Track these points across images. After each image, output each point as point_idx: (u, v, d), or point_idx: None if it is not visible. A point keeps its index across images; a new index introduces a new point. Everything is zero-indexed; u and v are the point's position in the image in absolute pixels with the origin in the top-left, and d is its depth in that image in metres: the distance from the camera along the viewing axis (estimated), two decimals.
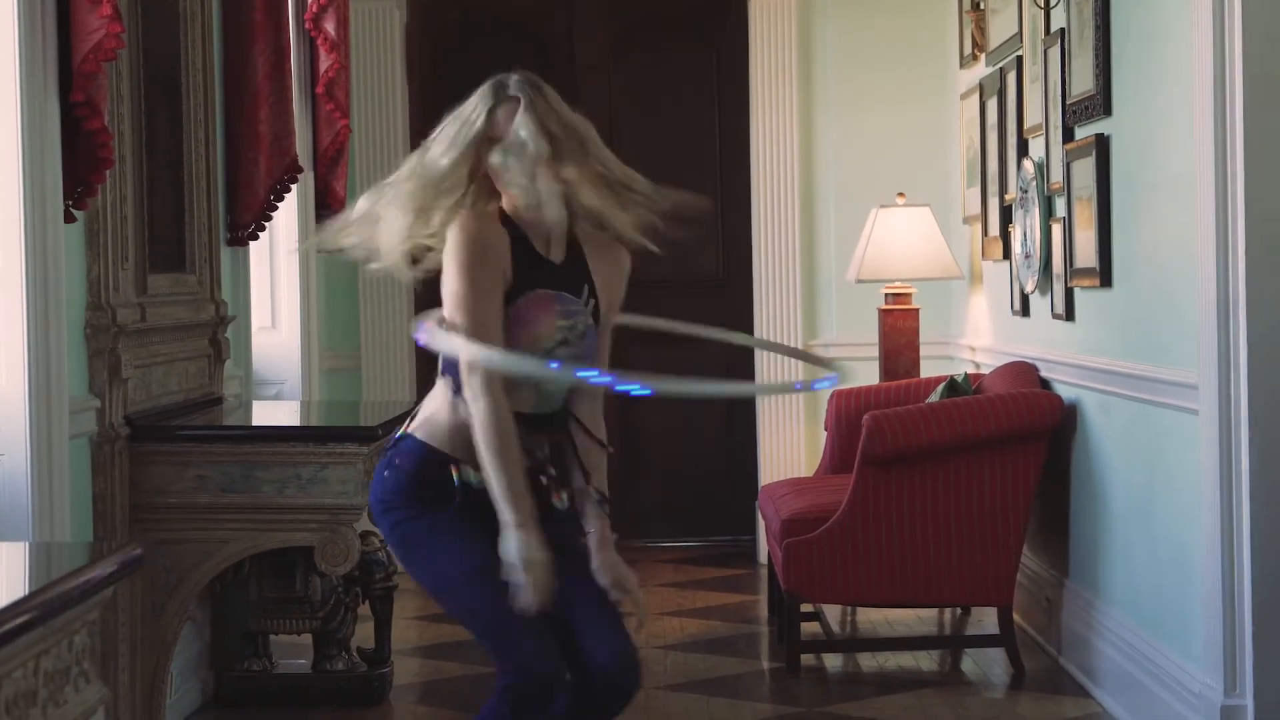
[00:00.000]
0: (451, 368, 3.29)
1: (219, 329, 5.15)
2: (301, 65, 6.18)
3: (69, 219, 4.00)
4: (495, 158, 3.23)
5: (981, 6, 6.65)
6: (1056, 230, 5.50)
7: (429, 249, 3.29)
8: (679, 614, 6.40)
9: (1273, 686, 4.02)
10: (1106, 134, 4.95)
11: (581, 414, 3.37)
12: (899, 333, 6.68)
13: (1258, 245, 3.98)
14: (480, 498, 3.23)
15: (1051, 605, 5.58)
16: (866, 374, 7.06)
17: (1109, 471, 5.05)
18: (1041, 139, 5.68)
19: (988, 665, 5.51)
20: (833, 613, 6.09)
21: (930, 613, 6.14)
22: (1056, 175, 5.47)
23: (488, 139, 3.24)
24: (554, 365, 3.23)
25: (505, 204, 3.28)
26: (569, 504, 3.35)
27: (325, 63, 6.13)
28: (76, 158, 3.95)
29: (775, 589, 5.93)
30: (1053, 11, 5.50)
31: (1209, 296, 4.08)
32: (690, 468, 7.79)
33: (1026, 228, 5.82)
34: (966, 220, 7.06)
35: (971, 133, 6.88)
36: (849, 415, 6.11)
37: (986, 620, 5.84)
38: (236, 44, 5.38)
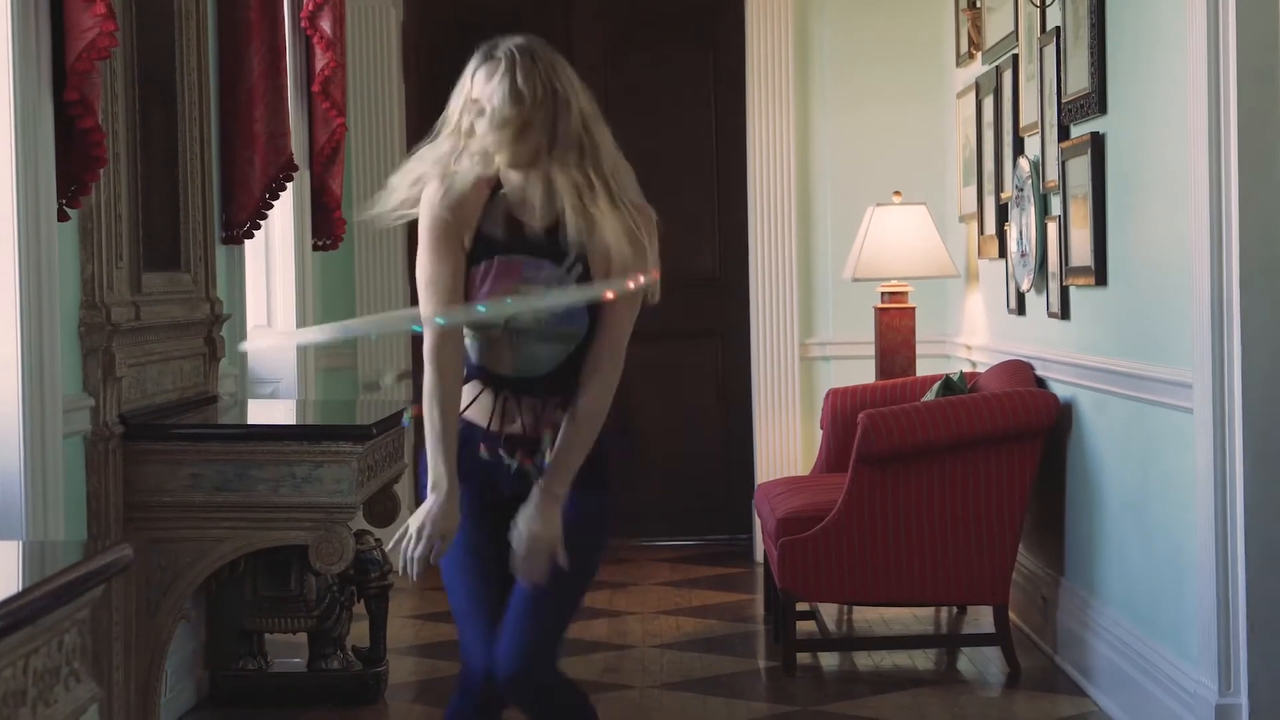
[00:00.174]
0: None
1: (214, 327, 5.14)
2: (297, 64, 6.18)
3: (63, 217, 4.00)
4: (466, 119, 3.20)
5: (978, 5, 6.65)
6: (1052, 229, 5.50)
7: None
8: (675, 613, 6.40)
9: (1267, 685, 4.02)
10: (1101, 132, 4.95)
11: (574, 389, 3.24)
12: (895, 331, 6.68)
13: (1252, 244, 3.98)
14: (491, 471, 3.22)
15: (1047, 604, 5.57)
16: (863, 372, 7.07)
17: (1104, 470, 5.05)
18: (1037, 137, 5.67)
19: (983, 664, 5.51)
20: (828, 612, 6.09)
21: (926, 612, 6.14)
22: (1052, 174, 5.47)
23: (472, 100, 3.20)
24: (480, 308, 3.17)
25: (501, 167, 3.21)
26: (519, 465, 3.25)
27: (321, 61, 6.12)
28: (70, 156, 3.95)
29: (771, 588, 5.93)
30: (1048, 10, 5.50)
31: (1203, 295, 4.08)
32: (687, 466, 7.79)
33: (1022, 226, 5.82)
34: (963, 219, 7.06)
35: (968, 131, 6.88)
36: (844, 414, 6.11)
37: (982, 619, 5.84)
38: (231, 42, 5.38)
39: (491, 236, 3.20)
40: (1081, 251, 5.13)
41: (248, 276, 5.76)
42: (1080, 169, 5.09)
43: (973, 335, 6.93)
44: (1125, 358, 4.79)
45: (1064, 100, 5.27)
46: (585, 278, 3.20)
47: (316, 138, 6.24)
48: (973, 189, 6.78)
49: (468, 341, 3.29)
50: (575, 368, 3.24)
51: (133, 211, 4.55)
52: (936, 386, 5.93)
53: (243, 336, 5.67)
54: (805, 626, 5.76)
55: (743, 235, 7.50)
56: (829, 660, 5.63)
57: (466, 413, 3.29)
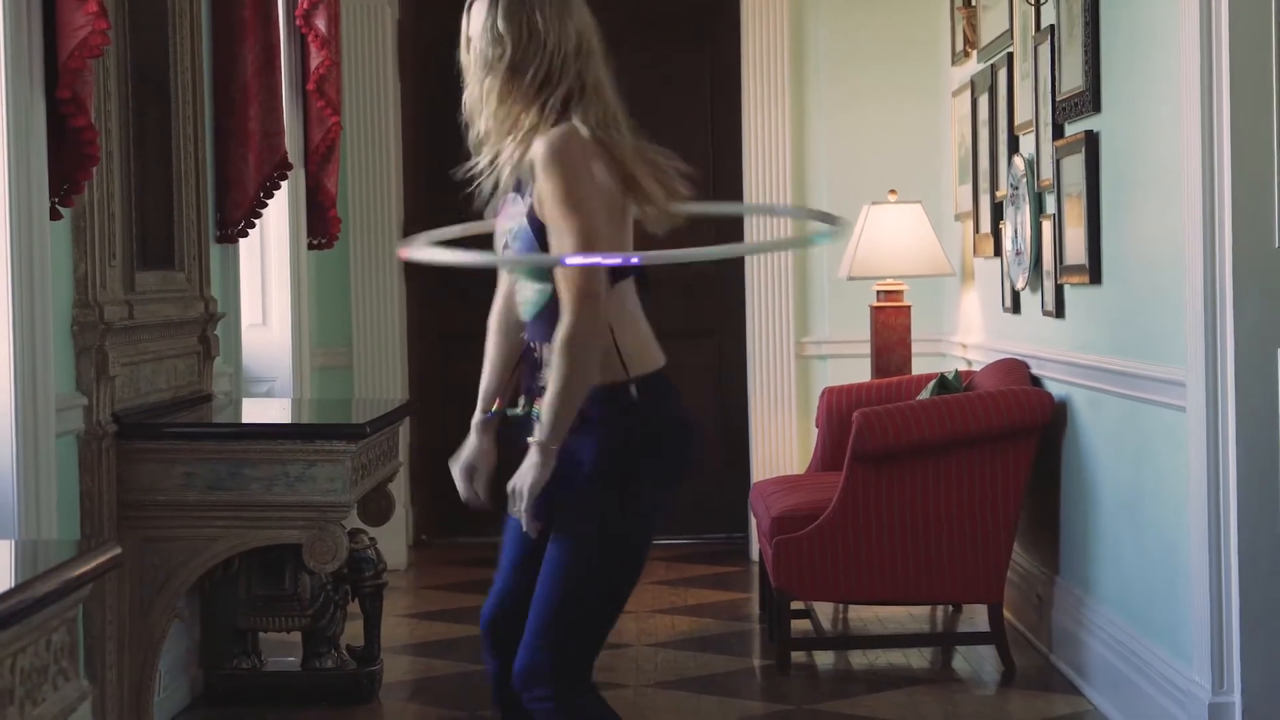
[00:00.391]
0: None
1: (208, 326, 5.14)
2: (292, 62, 6.17)
3: (55, 216, 3.99)
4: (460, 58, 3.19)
5: (973, 3, 6.65)
6: (1046, 227, 5.49)
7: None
8: (670, 611, 6.40)
9: (1260, 684, 4.03)
10: (1096, 130, 4.95)
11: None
12: (890, 330, 6.68)
13: (1245, 242, 3.98)
14: (524, 427, 3.19)
15: (1042, 603, 5.57)
16: (859, 371, 7.07)
17: (1098, 468, 5.05)
18: (1032, 136, 5.67)
19: (978, 663, 5.50)
20: (823, 610, 6.09)
21: (921, 610, 6.14)
22: (1046, 172, 5.47)
23: (468, 37, 3.18)
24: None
25: None
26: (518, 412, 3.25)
27: (316, 59, 6.12)
28: (63, 154, 3.94)
29: (767, 586, 5.92)
30: (1043, 8, 5.50)
31: (1196, 293, 4.08)
32: None
33: (1017, 225, 5.82)
34: (958, 217, 7.06)
35: (963, 129, 6.88)
36: (840, 412, 6.11)
37: (977, 618, 5.83)
38: (226, 41, 5.38)
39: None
40: (1076, 250, 5.13)
41: (242, 275, 5.76)
42: (1074, 167, 5.09)
43: (968, 334, 6.92)
44: (1119, 356, 4.79)
45: (1058, 98, 5.27)
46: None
47: (311, 136, 6.24)
48: (968, 187, 6.78)
49: None
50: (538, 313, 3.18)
51: (126, 210, 4.54)
52: (932, 385, 5.93)
53: (238, 336, 5.67)
54: (800, 625, 5.76)
55: (738, 234, 7.49)
56: (824, 659, 5.62)
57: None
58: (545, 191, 3.05)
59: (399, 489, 6.86)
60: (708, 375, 7.79)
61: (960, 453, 5.30)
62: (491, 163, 3.16)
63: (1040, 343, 5.67)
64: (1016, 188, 5.82)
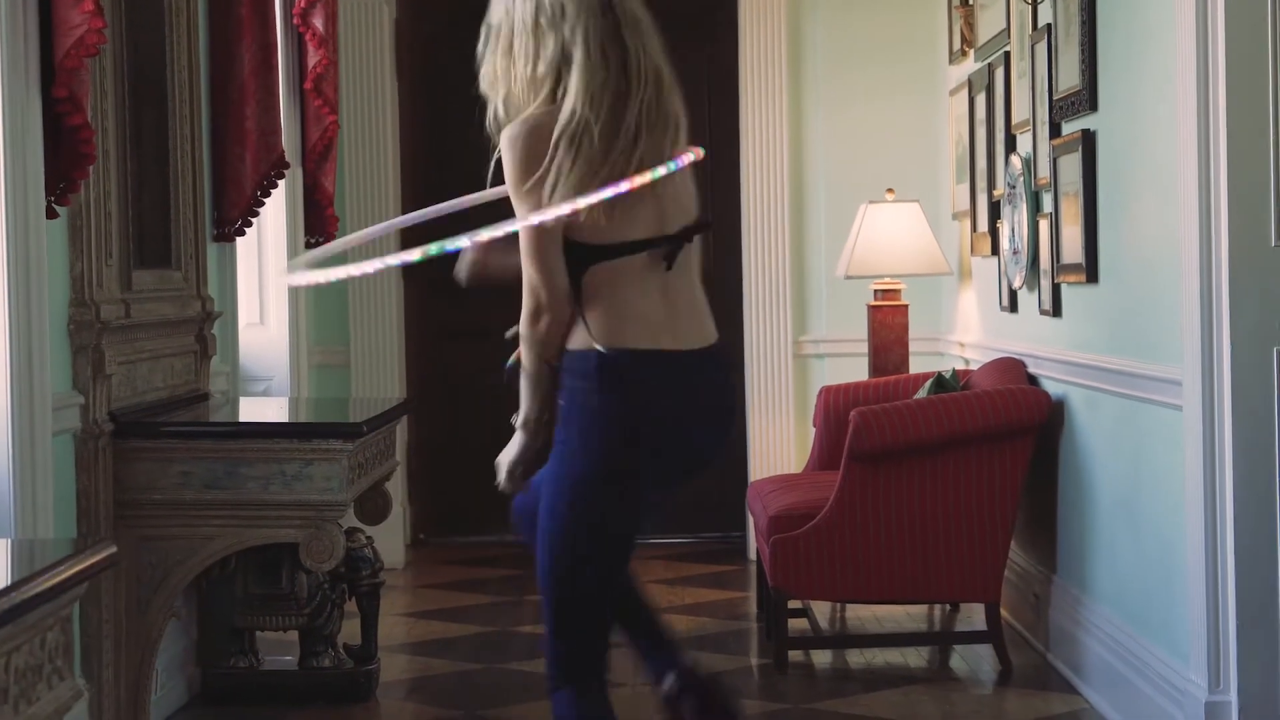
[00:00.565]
0: None
1: (205, 325, 5.14)
2: (290, 61, 6.18)
3: (52, 215, 3.99)
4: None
5: (970, 2, 6.65)
6: (1044, 226, 5.49)
7: None
8: (668, 610, 6.39)
9: (1257, 683, 4.03)
10: (1092, 129, 4.95)
11: None
12: (888, 329, 6.68)
13: (1241, 241, 3.98)
14: None
15: (1039, 601, 5.57)
16: (856, 370, 7.07)
17: (1095, 467, 5.05)
18: (1029, 135, 5.67)
19: (976, 662, 5.50)
20: (821, 609, 6.09)
21: (919, 609, 6.14)
22: (1044, 171, 5.47)
23: None
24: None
25: None
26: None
27: (314, 58, 6.12)
28: (59, 153, 3.95)
29: (764, 585, 5.92)
30: (1040, 7, 5.50)
31: (1193, 292, 4.08)
32: None
33: (1014, 223, 5.82)
34: (955, 216, 7.06)
35: (960, 128, 6.88)
36: (837, 411, 6.11)
37: (974, 617, 5.83)
38: (223, 40, 5.38)
39: None
40: (1073, 248, 5.13)
41: (239, 274, 5.76)
42: (1071, 166, 5.09)
43: (965, 332, 6.92)
44: (1116, 355, 4.79)
45: (1055, 97, 5.27)
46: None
47: (309, 135, 6.24)
48: (965, 186, 6.78)
49: None
50: None
51: (123, 209, 4.54)
52: (929, 384, 5.93)
53: (235, 335, 5.67)
54: (797, 624, 5.76)
55: (736, 233, 7.49)
56: (821, 658, 5.62)
57: None
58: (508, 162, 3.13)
59: (396, 488, 6.87)
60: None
61: (957, 452, 5.30)
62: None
63: (1037, 342, 5.67)
64: (1014, 187, 5.82)
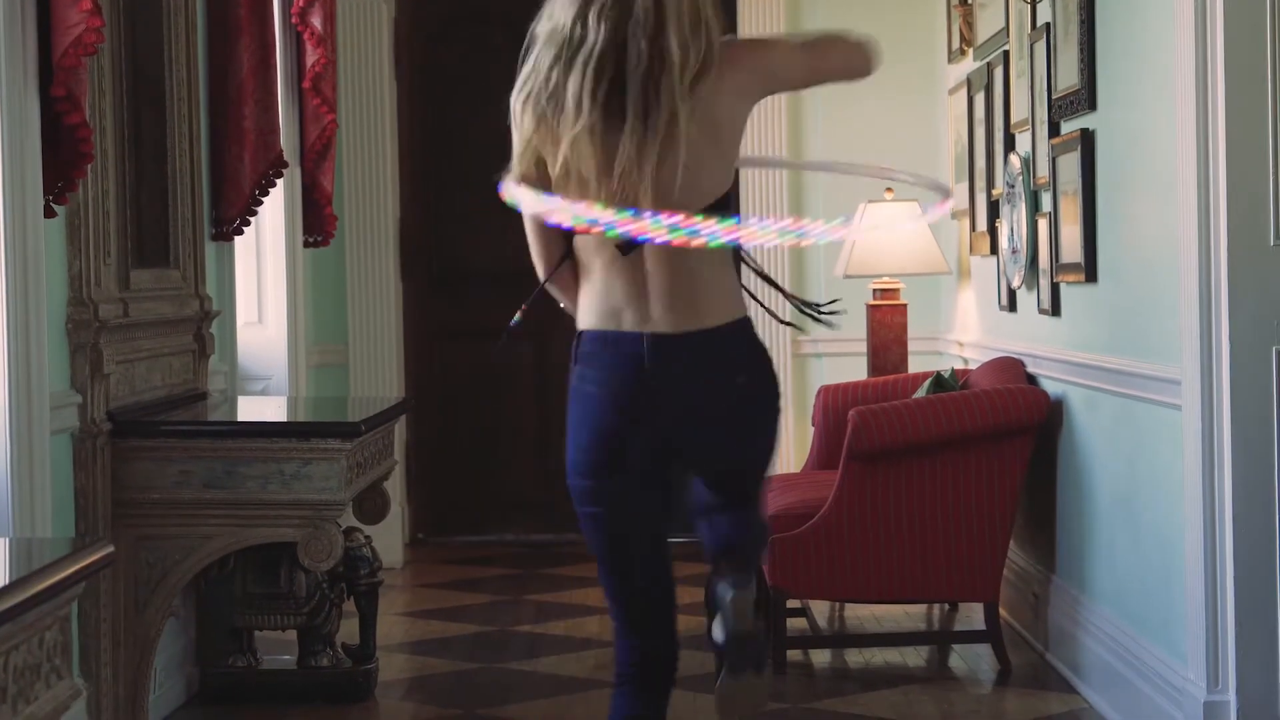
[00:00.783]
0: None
1: (203, 324, 5.14)
2: (288, 60, 6.17)
3: (50, 214, 3.99)
4: None
5: (969, 1, 6.65)
6: (1043, 225, 5.49)
7: None
8: None
9: (1255, 682, 4.02)
10: (1091, 129, 4.95)
11: None
12: (887, 328, 6.67)
13: (1240, 240, 3.98)
14: None
15: (1038, 601, 5.57)
16: (855, 369, 7.06)
17: (1094, 467, 5.05)
18: (1028, 134, 5.67)
19: (974, 661, 5.50)
20: (819, 609, 6.08)
21: (917, 609, 6.14)
22: (1043, 170, 5.46)
23: None
24: None
25: None
26: None
27: (312, 57, 6.11)
28: (57, 152, 3.95)
29: (763, 585, 5.92)
30: (1039, 6, 5.50)
31: (1191, 292, 4.08)
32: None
33: (1013, 223, 5.81)
34: (954, 215, 7.06)
35: (959, 128, 6.88)
36: (836, 411, 6.10)
37: (973, 616, 5.83)
38: (221, 39, 5.37)
39: None
40: (1072, 248, 5.12)
41: (238, 273, 5.75)
42: (1070, 165, 5.09)
43: (964, 332, 6.92)
44: (1115, 354, 4.79)
45: (1054, 97, 5.27)
46: None
47: (307, 134, 6.24)
48: (964, 185, 6.78)
49: None
50: None
51: (121, 208, 4.54)
52: (928, 383, 5.93)
53: (233, 334, 5.66)
54: (796, 624, 5.75)
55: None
56: (820, 657, 5.62)
57: None
58: None
59: (395, 487, 6.86)
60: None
61: (956, 451, 5.30)
62: None
63: (1036, 341, 5.67)
64: (1013, 186, 5.81)
